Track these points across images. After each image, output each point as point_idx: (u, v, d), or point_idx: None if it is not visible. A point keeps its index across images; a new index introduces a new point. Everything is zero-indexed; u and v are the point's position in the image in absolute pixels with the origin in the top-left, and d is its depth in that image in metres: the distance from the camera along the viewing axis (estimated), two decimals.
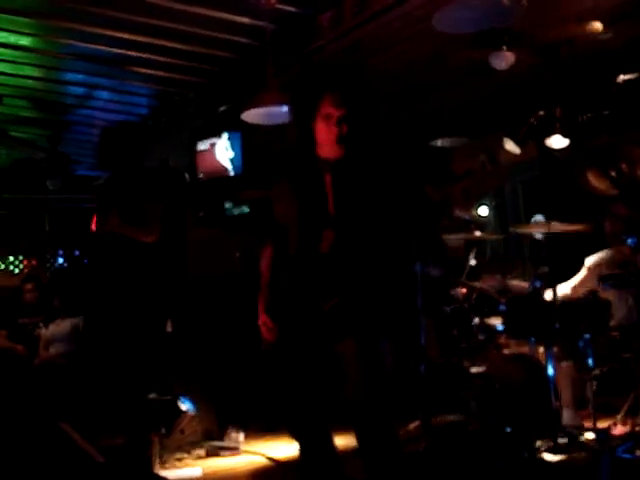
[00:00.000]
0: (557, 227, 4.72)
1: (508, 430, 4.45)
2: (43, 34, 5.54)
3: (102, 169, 6.11)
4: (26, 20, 5.23)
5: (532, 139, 6.01)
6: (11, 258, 8.42)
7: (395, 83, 6.43)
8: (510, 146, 6.05)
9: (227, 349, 6.71)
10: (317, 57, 5.42)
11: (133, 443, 4.54)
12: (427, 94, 6.74)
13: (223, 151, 6.93)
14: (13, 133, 7.91)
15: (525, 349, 5.08)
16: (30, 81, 6.41)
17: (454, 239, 5.47)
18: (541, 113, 5.79)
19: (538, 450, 4.30)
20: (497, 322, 4.89)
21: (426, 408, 5.10)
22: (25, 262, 8.51)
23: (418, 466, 4.68)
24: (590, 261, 5.21)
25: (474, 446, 4.58)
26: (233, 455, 5.52)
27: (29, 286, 7.51)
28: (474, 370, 4.85)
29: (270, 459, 5.35)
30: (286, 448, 5.68)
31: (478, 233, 5.33)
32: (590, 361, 4.45)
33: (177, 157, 7.45)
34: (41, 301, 7.50)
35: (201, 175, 7.09)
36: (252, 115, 5.01)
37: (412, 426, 5.22)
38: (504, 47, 5.27)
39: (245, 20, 5.23)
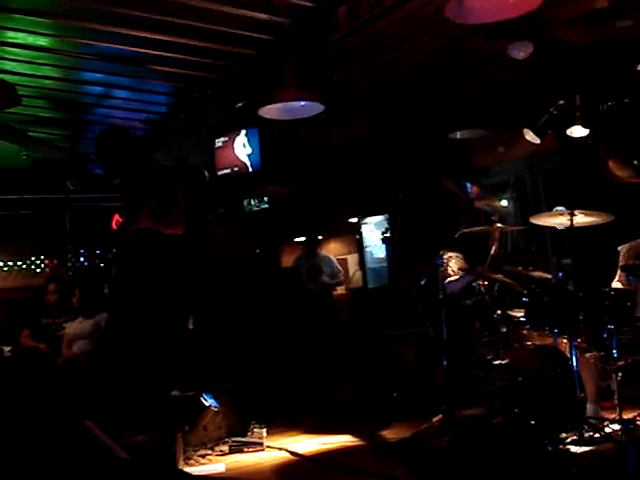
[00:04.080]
0: (579, 218, 4.68)
1: (532, 423, 4.41)
2: (61, 34, 5.57)
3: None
4: (44, 20, 5.25)
5: (552, 129, 5.96)
6: (33, 258, 8.47)
7: (412, 76, 6.40)
8: (530, 136, 6.00)
9: (249, 345, 6.72)
10: (334, 50, 5.40)
11: (157, 440, 4.55)
12: (445, 86, 6.71)
13: (241, 147, 6.94)
14: (32, 134, 7.95)
15: (548, 341, 5.04)
16: (49, 81, 6.44)
17: (475, 231, 5.42)
18: (561, 103, 5.74)
19: (563, 443, 4.27)
20: (520, 314, 4.85)
21: (449, 402, 5.07)
22: (47, 261, 8.57)
23: (442, 460, 4.67)
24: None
25: (498, 440, 4.55)
26: (256, 451, 5.53)
27: (52, 287, 7.55)
28: (497, 363, 4.81)
29: (293, 454, 5.35)
30: (309, 443, 5.68)
31: (499, 225, 5.29)
32: (615, 352, 4.41)
33: (196, 154, 7.47)
34: (64, 301, 7.54)
35: (220, 171, 7.11)
36: (270, 111, 5.00)
37: (435, 420, 5.21)
38: (522, 37, 5.22)
39: (262, 16, 5.22)
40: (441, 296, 5.12)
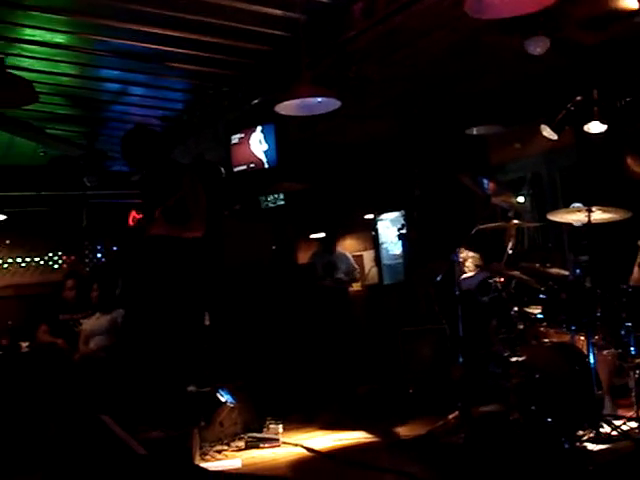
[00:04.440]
0: (597, 214, 4.65)
1: (549, 420, 4.39)
2: (78, 31, 5.59)
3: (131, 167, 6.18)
4: (61, 18, 5.28)
5: (570, 125, 5.92)
6: (50, 254, 8.53)
7: (429, 71, 6.38)
8: (547, 132, 5.97)
9: (265, 341, 6.73)
10: (350, 47, 5.39)
11: (173, 435, 4.57)
12: (462, 82, 6.68)
13: (257, 144, 6.95)
14: (50, 131, 8.00)
15: (566, 338, 5.01)
16: (66, 78, 6.47)
17: (491, 227, 5.40)
18: (579, 98, 5.70)
19: (580, 440, 4.25)
20: (537, 311, 4.83)
21: (465, 399, 5.06)
22: (64, 258, 8.62)
23: (458, 457, 4.66)
24: None
25: (514, 437, 4.53)
26: (272, 447, 5.54)
27: (70, 283, 7.59)
28: (514, 360, 4.79)
29: (309, 450, 5.36)
30: (324, 439, 5.69)
31: (516, 221, 5.27)
32: (632, 349, 4.38)
33: (212, 151, 7.49)
34: (81, 297, 7.58)
35: (236, 168, 7.12)
36: (286, 107, 5.00)
37: (451, 417, 5.20)
38: (539, 32, 5.19)
39: (278, 12, 5.22)
40: (457, 292, 5.10)
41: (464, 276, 6.12)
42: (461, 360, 5.12)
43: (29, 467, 5.25)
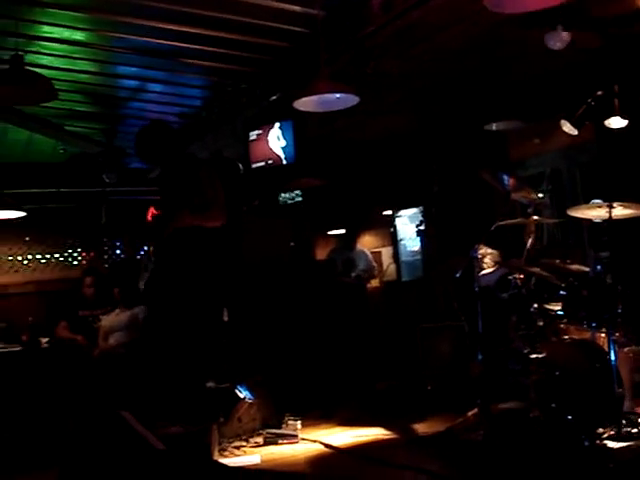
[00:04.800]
0: (618, 210, 4.60)
1: (569, 418, 4.36)
2: (97, 28, 5.60)
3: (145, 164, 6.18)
4: (80, 15, 5.29)
5: (590, 120, 5.88)
6: (70, 250, 8.58)
7: (448, 66, 6.35)
8: (567, 128, 5.92)
9: (283, 337, 6.74)
10: (369, 42, 5.37)
11: (192, 431, 4.58)
12: (481, 77, 6.64)
13: (275, 140, 6.95)
14: (69, 128, 8.03)
15: (586, 335, 4.97)
16: (85, 75, 6.49)
17: (511, 223, 5.36)
18: (599, 93, 5.65)
19: (600, 438, 4.22)
20: (557, 307, 4.79)
21: (485, 396, 5.04)
22: (84, 254, 8.67)
23: (477, 454, 4.64)
24: None
25: (534, 434, 4.51)
26: (291, 443, 5.55)
27: (89, 280, 7.64)
28: (534, 356, 4.76)
29: (328, 446, 5.36)
30: (343, 436, 5.69)
31: (536, 217, 5.23)
32: None
33: (230, 147, 7.50)
34: (100, 293, 7.62)
35: (254, 164, 7.13)
36: (304, 103, 4.99)
37: (470, 414, 5.18)
38: (559, 26, 5.14)
39: (296, 8, 5.21)
40: (476, 289, 5.08)
41: (483, 272, 6.09)
42: (480, 357, 5.09)
43: (47, 462, 5.29)
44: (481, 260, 6.07)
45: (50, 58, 5.98)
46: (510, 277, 5.23)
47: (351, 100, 4.99)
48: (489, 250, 6.27)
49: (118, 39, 5.76)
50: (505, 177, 5.14)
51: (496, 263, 6.33)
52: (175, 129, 7.09)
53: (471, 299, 5.10)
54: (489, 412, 4.98)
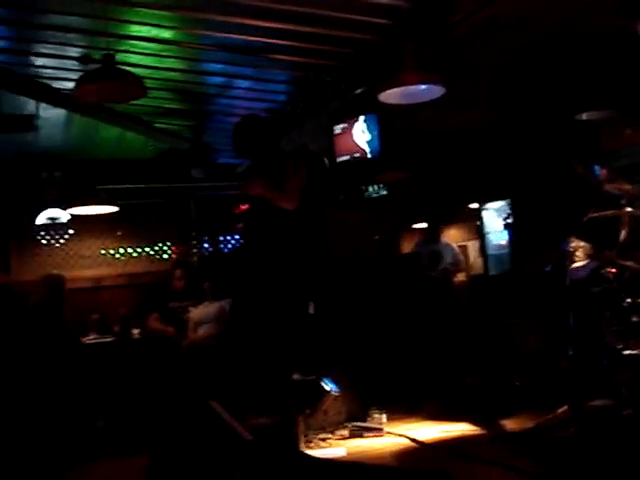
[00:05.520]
0: None
1: None
2: (184, 26, 5.70)
3: (240, 158, 6.25)
4: (167, 13, 5.39)
5: None
6: (160, 244, 8.78)
7: (537, 55, 6.20)
8: None
9: (369, 330, 6.74)
10: (455, 32, 5.29)
11: (279, 422, 4.62)
12: (571, 66, 6.47)
13: (360, 134, 6.93)
14: (158, 125, 8.22)
15: None
16: (173, 73, 6.61)
17: (604, 216, 5.21)
18: None
19: None
20: None
21: (575, 392, 4.93)
22: (173, 248, 8.86)
23: (567, 451, 4.55)
24: None
25: (626, 432, 4.38)
26: (376, 436, 5.56)
27: (178, 272, 7.80)
28: (627, 353, 4.62)
29: (413, 440, 5.34)
30: (429, 430, 5.65)
31: (629, 209, 5.07)
32: None
33: (315, 141, 7.52)
34: (190, 286, 7.78)
35: (339, 158, 7.13)
36: (390, 95, 4.97)
37: (560, 410, 5.07)
38: None
39: (383, 0, 5.17)
40: (567, 283, 4.96)
41: (574, 266, 5.95)
42: (571, 353, 4.98)
43: (134, 449, 5.45)
44: (573, 253, 5.92)
45: (139, 56, 6.11)
46: (603, 271, 5.09)
47: (437, 91, 4.94)
48: (581, 243, 6.11)
49: (205, 36, 5.84)
50: (597, 168, 5.01)
51: (588, 256, 6.16)
52: (271, 121, 7.14)
53: (562, 293, 5.00)
54: (580, 409, 4.87)
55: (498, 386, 6.71)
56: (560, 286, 5.08)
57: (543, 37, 5.73)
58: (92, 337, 7.56)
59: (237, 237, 9.17)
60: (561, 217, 6.66)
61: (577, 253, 6.09)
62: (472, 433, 5.51)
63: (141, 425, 6.38)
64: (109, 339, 7.58)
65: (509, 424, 5.59)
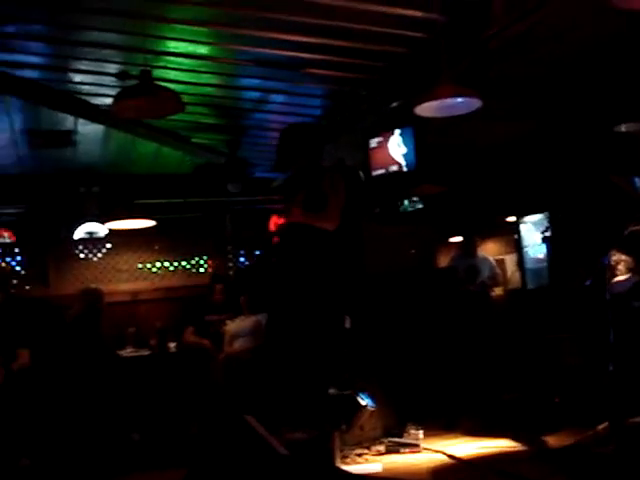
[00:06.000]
0: None
1: None
2: (219, 42, 5.75)
3: (281, 171, 6.25)
4: (203, 29, 5.44)
5: None
6: (196, 258, 8.83)
7: (573, 67, 6.14)
8: None
9: (406, 345, 6.69)
10: (491, 45, 5.26)
11: (315, 437, 4.60)
12: (609, 77, 6.39)
13: (396, 147, 6.91)
14: (195, 140, 8.28)
15: None
16: (209, 88, 6.67)
17: None
18: None
19: None
20: None
21: (616, 409, 4.84)
22: (209, 262, 8.91)
23: (608, 468, 4.47)
24: None
25: None
26: (413, 452, 5.51)
27: (220, 287, 7.83)
28: None
29: (451, 457, 5.27)
30: (467, 446, 5.58)
31: None
32: None
33: (350, 155, 7.51)
34: (226, 299, 7.80)
35: (374, 172, 7.12)
36: (426, 109, 4.95)
37: (601, 427, 4.98)
38: None
39: (416, 13, 5.16)
40: (608, 297, 4.88)
41: (615, 280, 5.85)
42: (611, 368, 4.89)
43: (169, 462, 5.46)
44: (614, 267, 5.83)
45: (176, 72, 6.17)
46: None
47: (473, 104, 4.91)
48: (622, 256, 6.01)
49: (240, 52, 5.88)
50: (637, 180, 4.93)
51: (629, 270, 6.06)
52: (318, 128, 7.14)
53: (602, 308, 4.92)
54: (620, 426, 4.78)
55: (537, 402, 6.61)
56: (600, 300, 5.00)
57: (579, 49, 5.68)
58: (129, 350, 7.62)
59: (266, 251, 9.18)
60: (601, 230, 6.56)
61: (618, 267, 5.99)
62: (511, 450, 5.43)
63: (176, 439, 6.40)
64: (146, 353, 7.62)
65: (548, 441, 5.50)
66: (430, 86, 4.87)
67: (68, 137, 7.86)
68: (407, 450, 5.54)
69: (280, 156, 5.30)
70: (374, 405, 5.70)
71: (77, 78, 6.38)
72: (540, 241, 8.74)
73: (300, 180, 5.14)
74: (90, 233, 9.68)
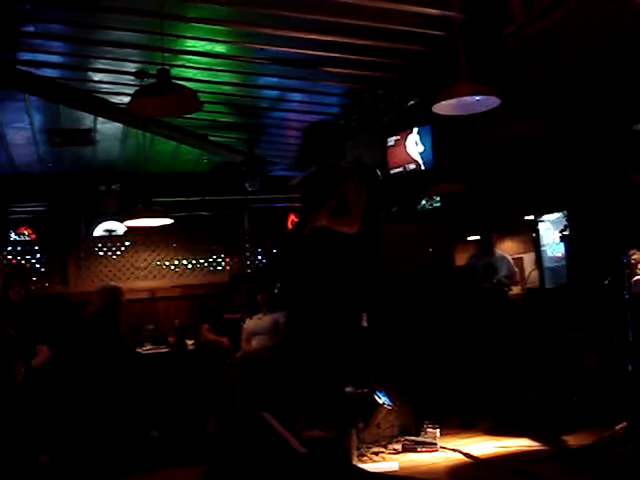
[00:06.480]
0: None
1: None
2: (237, 40, 5.77)
3: (302, 169, 6.25)
4: (221, 28, 5.47)
5: None
6: (214, 256, 8.84)
7: (591, 66, 6.10)
8: None
9: (423, 343, 6.67)
10: (509, 43, 5.24)
11: (332, 435, 4.60)
12: (627, 75, 6.35)
13: (413, 145, 6.90)
14: (212, 138, 8.31)
15: None
16: (227, 87, 6.69)
17: None
18: None
19: None
20: None
21: (634, 409, 4.81)
22: (227, 260, 8.92)
23: (626, 469, 4.44)
24: None
25: None
26: (430, 451, 5.48)
27: (243, 286, 7.84)
28: None
29: (468, 456, 5.26)
30: (484, 445, 5.56)
31: None
32: None
33: (368, 154, 7.51)
34: (246, 298, 7.81)
35: (392, 170, 7.11)
36: (444, 107, 4.93)
37: (619, 427, 4.95)
38: None
39: (434, 11, 5.15)
40: (627, 296, 4.85)
41: (635, 279, 5.81)
42: (630, 368, 4.86)
43: (191, 460, 5.49)
44: (633, 266, 5.79)
45: (194, 71, 6.20)
46: None
47: (492, 102, 4.89)
48: None
49: (258, 50, 5.90)
50: None
51: None
52: (342, 127, 7.14)
53: (621, 307, 4.88)
54: (639, 426, 4.74)
55: (555, 402, 6.58)
56: (619, 300, 4.96)
57: (597, 47, 5.64)
58: (147, 347, 7.65)
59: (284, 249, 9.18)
60: (620, 229, 6.52)
61: (638, 266, 5.95)
62: (528, 449, 5.40)
63: (195, 436, 6.43)
64: (164, 350, 7.65)
65: (567, 440, 5.47)
66: (448, 84, 4.85)
67: (87, 136, 7.93)
68: (424, 449, 5.52)
69: (303, 154, 5.28)
70: (391, 403, 5.69)
71: (96, 77, 6.44)
72: (558, 240, 8.70)
73: (319, 179, 5.14)
74: (109, 231, 9.76)
